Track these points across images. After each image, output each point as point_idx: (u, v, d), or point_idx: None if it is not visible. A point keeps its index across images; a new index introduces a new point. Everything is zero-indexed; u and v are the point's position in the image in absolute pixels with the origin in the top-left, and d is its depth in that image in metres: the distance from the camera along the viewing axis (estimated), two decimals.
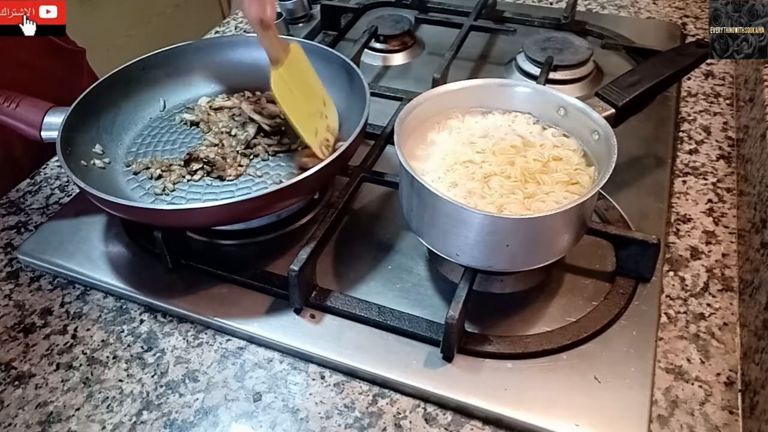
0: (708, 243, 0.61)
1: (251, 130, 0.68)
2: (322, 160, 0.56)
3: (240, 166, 0.65)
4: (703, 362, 0.51)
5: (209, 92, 0.75)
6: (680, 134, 0.74)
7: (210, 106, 0.72)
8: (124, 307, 0.58)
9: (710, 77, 0.83)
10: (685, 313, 0.54)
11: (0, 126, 0.63)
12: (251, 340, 0.54)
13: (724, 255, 0.59)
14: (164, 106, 0.73)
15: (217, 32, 1.00)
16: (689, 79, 0.82)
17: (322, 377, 0.51)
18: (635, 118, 0.61)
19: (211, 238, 0.63)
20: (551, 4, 1.03)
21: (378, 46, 0.89)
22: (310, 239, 0.54)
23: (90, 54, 0.90)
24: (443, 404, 0.49)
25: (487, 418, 0.48)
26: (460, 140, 0.56)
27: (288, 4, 0.94)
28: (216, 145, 0.67)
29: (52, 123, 0.62)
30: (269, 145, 0.67)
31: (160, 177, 0.64)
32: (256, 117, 0.69)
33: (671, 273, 0.58)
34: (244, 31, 1.00)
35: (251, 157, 0.66)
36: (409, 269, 0.58)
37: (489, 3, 0.95)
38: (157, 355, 0.54)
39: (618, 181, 0.60)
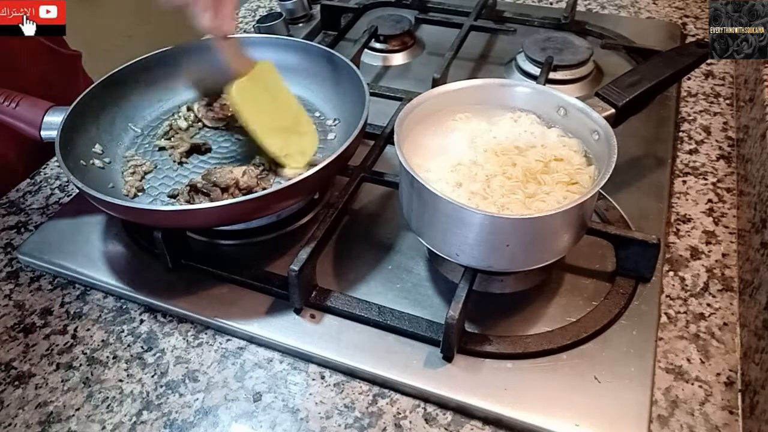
0: (708, 243, 0.61)
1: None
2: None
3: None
4: (703, 362, 0.51)
5: (209, 92, 0.75)
6: (680, 134, 0.74)
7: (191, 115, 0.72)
8: (124, 307, 0.58)
9: (710, 77, 0.83)
10: (685, 313, 0.54)
11: None
12: (251, 340, 0.54)
13: (724, 255, 0.59)
14: (164, 107, 0.73)
15: None
16: (689, 79, 0.82)
17: (322, 377, 0.51)
18: (635, 118, 0.61)
19: (211, 238, 0.63)
20: (551, 4, 1.03)
21: (378, 46, 0.89)
22: (310, 239, 0.54)
23: (90, 54, 0.90)
24: (443, 404, 0.49)
25: (487, 418, 0.48)
26: (463, 140, 0.56)
27: (288, 4, 0.94)
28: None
29: (52, 122, 0.62)
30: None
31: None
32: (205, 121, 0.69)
33: (671, 273, 0.58)
34: (244, 31, 1.00)
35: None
36: (409, 269, 0.58)
37: (489, 3, 0.95)
38: (157, 355, 0.54)
39: (618, 181, 0.60)
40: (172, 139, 0.68)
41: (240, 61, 0.63)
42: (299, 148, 0.64)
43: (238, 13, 1.05)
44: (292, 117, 0.66)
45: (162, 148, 0.68)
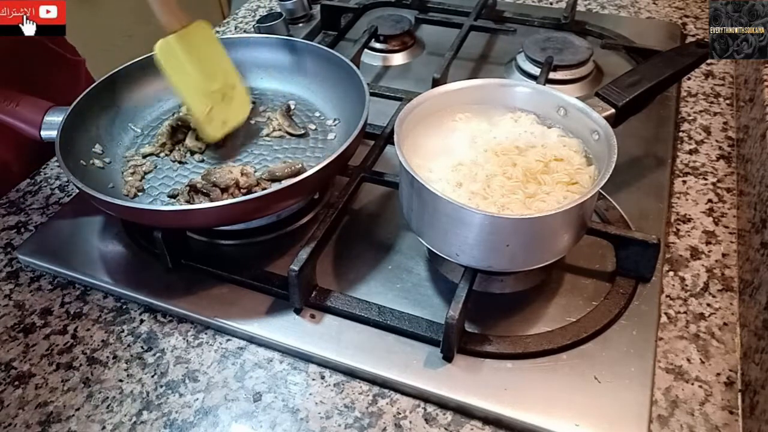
0: (708, 243, 0.61)
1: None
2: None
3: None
4: (703, 362, 0.51)
5: None
6: (680, 134, 0.74)
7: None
8: (124, 307, 0.58)
9: (710, 77, 0.83)
10: (685, 313, 0.54)
11: None
12: (251, 340, 0.54)
13: (724, 255, 0.59)
14: (164, 107, 0.73)
15: (217, 32, 1.00)
16: (689, 79, 0.82)
17: (322, 377, 0.51)
18: (635, 118, 0.61)
19: (211, 238, 0.63)
20: (551, 4, 1.03)
21: (378, 46, 0.89)
22: (310, 239, 0.54)
23: (90, 54, 0.90)
24: (443, 404, 0.49)
25: (487, 418, 0.48)
26: (463, 140, 0.56)
27: (288, 4, 0.94)
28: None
29: (52, 122, 0.62)
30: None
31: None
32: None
33: (671, 273, 0.58)
34: (244, 31, 1.00)
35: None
36: (409, 269, 0.58)
37: (489, 3, 0.95)
38: (157, 355, 0.54)
39: (618, 181, 0.60)
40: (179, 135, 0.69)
41: (172, 17, 0.62)
42: (222, 116, 0.64)
43: (238, 13, 1.05)
44: (223, 82, 0.66)
45: (163, 144, 0.68)
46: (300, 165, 0.63)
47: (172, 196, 0.62)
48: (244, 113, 0.66)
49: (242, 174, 0.61)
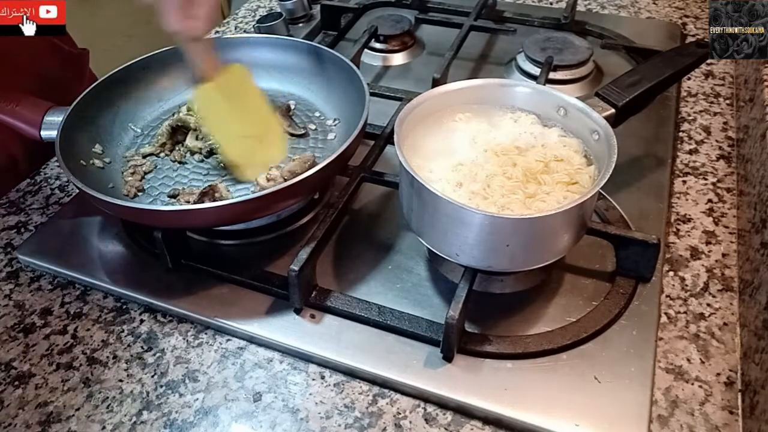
0: (708, 243, 0.61)
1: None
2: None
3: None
4: (703, 362, 0.51)
5: None
6: (680, 134, 0.74)
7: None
8: (124, 307, 0.58)
9: (710, 77, 0.83)
10: (685, 313, 0.54)
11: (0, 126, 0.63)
12: (251, 340, 0.54)
13: (724, 255, 0.59)
14: (164, 107, 0.73)
15: (217, 32, 1.00)
16: (689, 79, 0.82)
17: (322, 377, 0.51)
18: (635, 118, 0.61)
19: (211, 238, 0.63)
20: (551, 4, 1.03)
21: (378, 46, 0.89)
22: (310, 239, 0.54)
23: (90, 54, 0.90)
24: (443, 404, 0.49)
25: (487, 418, 0.48)
26: (464, 140, 0.56)
27: (288, 4, 0.94)
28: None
29: (52, 122, 0.62)
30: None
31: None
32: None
33: (671, 273, 0.58)
34: (244, 31, 1.00)
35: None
36: (409, 269, 0.58)
37: (489, 3, 0.95)
38: (157, 355, 0.54)
39: (618, 181, 0.60)
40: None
41: (209, 65, 0.61)
42: (263, 159, 0.63)
43: (238, 13, 1.05)
44: (260, 125, 0.65)
45: (163, 144, 0.68)
46: (312, 158, 0.62)
47: (172, 196, 0.62)
48: (281, 155, 0.66)
49: (268, 180, 0.61)
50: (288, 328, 0.53)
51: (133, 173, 0.65)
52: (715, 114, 0.77)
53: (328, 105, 0.72)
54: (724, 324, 0.53)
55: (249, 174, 0.63)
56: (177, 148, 0.67)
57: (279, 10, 0.94)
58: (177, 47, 0.71)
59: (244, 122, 0.65)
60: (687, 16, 0.97)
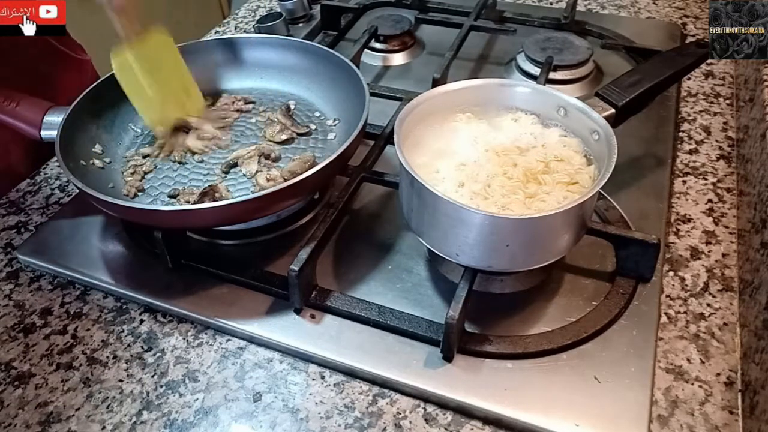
0: (708, 243, 0.61)
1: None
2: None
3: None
4: (703, 362, 0.51)
5: (208, 92, 0.75)
6: (680, 134, 0.74)
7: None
8: (124, 307, 0.58)
9: (710, 77, 0.83)
10: (685, 313, 0.54)
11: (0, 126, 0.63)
12: (251, 340, 0.54)
13: (724, 255, 0.59)
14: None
15: (217, 32, 1.00)
16: (689, 79, 0.82)
17: (322, 377, 0.51)
18: (635, 118, 0.61)
19: (211, 238, 0.63)
20: (551, 4, 1.03)
21: (378, 46, 0.89)
22: (310, 239, 0.54)
23: (90, 54, 0.90)
24: (443, 404, 0.49)
25: (487, 418, 0.48)
26: (464, 141, 0.56)
27: (288, 4, 0.94)
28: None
29: (52, 122, 0.62)
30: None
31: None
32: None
33: (671, 273, 0.58)
34: (244, 31, 1.00)
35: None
36: (409, 269, 0.58)
37: (489, 3, 0.95)
38: (157, 355, 0.54)
39: (618, 181, 0.60)
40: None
41: (129, 30, 0.64)
42: (179, 120, 0.67)
43: (238, 13, 1.05)
44: (178, 89, 0.68)
45: (163, 144, 0.68)
46: (312, 158, 0.63)
47: (172, 196, 0.62)
48: (197, 112, 0.70)
49: (268, 180, 0.61)
50: (288, 328, 0.53)
51: (133, 173, 0.65)
52: (715, 114, 0.77)
53: (328, 105, 0.72)
54: (724, 324, 0.53)
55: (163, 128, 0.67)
56: (177, 148, 0.67)
57: (279, 10, 0.94)
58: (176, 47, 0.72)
59: (162, 84, 0.67)
60: (687, 16, 0.97)
